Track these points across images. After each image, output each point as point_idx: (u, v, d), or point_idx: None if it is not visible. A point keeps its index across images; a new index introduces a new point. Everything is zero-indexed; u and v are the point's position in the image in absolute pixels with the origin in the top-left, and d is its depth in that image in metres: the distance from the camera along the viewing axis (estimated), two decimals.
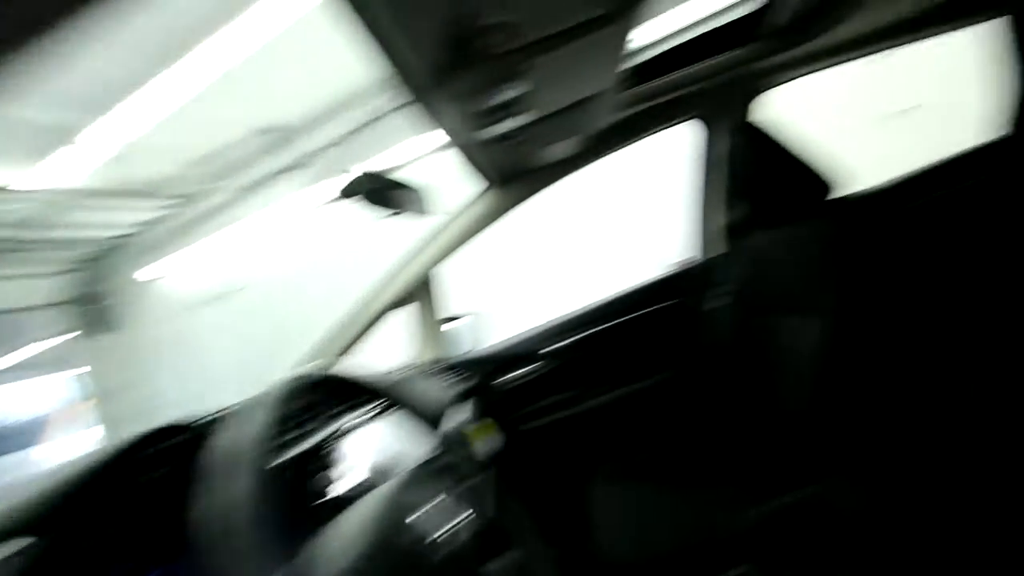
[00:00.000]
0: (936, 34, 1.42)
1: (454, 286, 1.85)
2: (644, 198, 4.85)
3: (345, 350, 1.66)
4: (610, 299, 1.69)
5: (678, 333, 1.63)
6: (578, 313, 1.71)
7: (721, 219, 1.56)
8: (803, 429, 1.10)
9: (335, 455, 0.79)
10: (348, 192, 0.91)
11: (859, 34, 1.32)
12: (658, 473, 1.40)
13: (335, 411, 0.88)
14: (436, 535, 0.51)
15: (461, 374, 1.66)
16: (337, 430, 0.82)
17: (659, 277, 1.69)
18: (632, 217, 5.01)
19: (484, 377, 1.70)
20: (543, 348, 1.68)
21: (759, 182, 1.19)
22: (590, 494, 1.37)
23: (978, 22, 1.40)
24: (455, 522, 0.54)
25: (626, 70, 1.04)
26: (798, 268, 1.18)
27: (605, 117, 1.26)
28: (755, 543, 0.90)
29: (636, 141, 1.47)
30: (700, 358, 1.60)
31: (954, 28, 1.38)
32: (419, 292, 1.70)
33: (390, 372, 1.52)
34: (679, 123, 1.46)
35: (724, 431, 1.42)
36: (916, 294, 1.09)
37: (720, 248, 1.59)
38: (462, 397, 1.52)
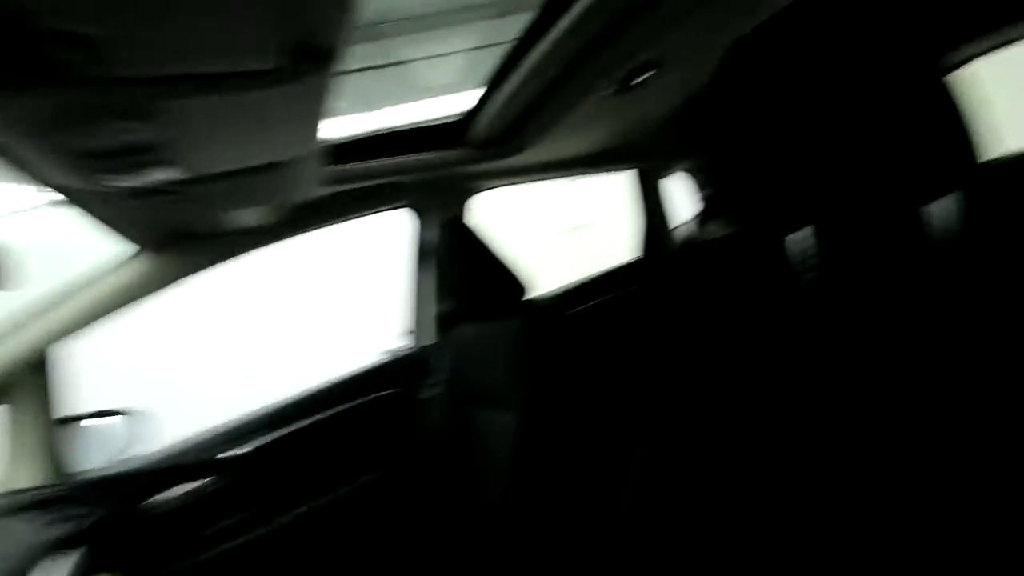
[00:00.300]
0: (601, 171, 1.81)
1: (88, 377, 1.34)
2: (358, 282, 4.74)
3: None
4: (313, 392, 1.47)
5: (391, 425, 1.50)
6: (273, 410, 1.42)
7: (433, 309, 1.56)
8: (501, 528, 1.08)
9: None
10: None
11: (543, 161, 1.56)
12: None
13: None
14: None
15: (79, 504, 1.14)
16: None
17: (370, 367, 1.56)
18: (343, 301, 4.79)
19: (122, 503, 1.22)
20: (216, 456, 1.32)
21: (462, 278, 1.21)
22: None
23: (622, 169, 1.84)
24: None
25: (324, 145, 0.93)
26: (495, 363, 1.22)
27: (300, 190, 1.12)
28: None
29: (341, 221, 1.37)
30: (414, 452, 1.50)
31: (608, 171, 1.80)
32: (18, 385, 1.15)
33: None
34: (388, 209, 1.43)
35: (436, 533, 1.32)
36: (593, 389, 1.21)
37: (432, 337, 1.58)
38: (69, 543, 1.03)
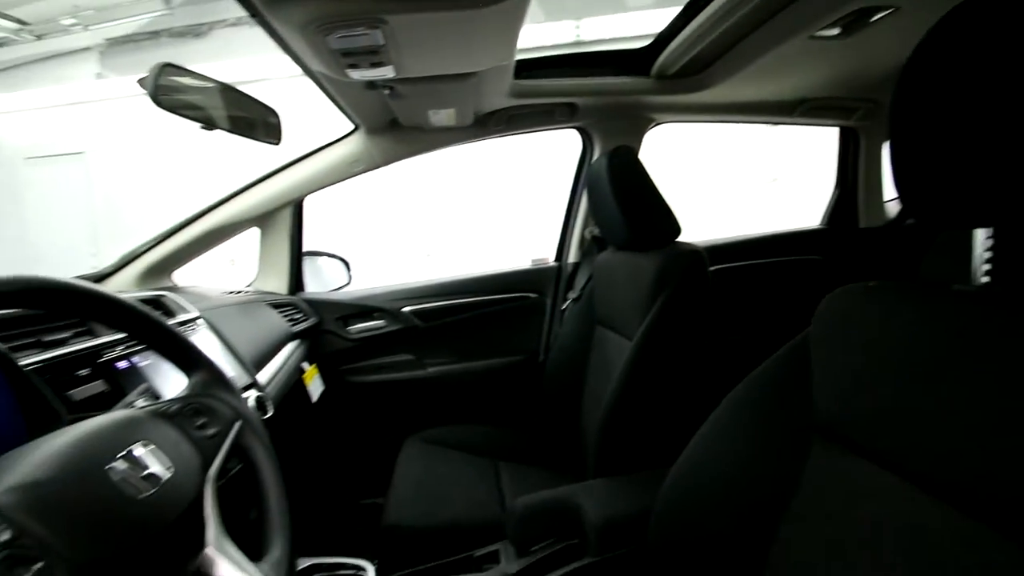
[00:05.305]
0: (799, 123, 1.63)
1: (319, 223, 1.77)
2: (529, 192, 5.13)
3: (177, 260, 1.49)
4: (472, 277, 1.73)
5: (529, 322, 1.73)
6: (437, 283, 1.72)
7: (581, 229, 1.66)
8: (604, 431, 1.20)
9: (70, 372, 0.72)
10: (144, 84, 0.80)
11: (731, 101, 1.46)
12: (468, 445, 1.47)
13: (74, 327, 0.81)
14: (140, 480, 0.47)
15: (304, 312, 1.59)
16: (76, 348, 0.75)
17: (520, 270, 1.76)
18: (517, 207, 5.29)
19: (328, 322, 1.66)
20: (394, 308, 1.67)
21: (617, 206, 1.26)
22: (399, 457, 1.39)
23: (827, 124, 1.62)
24: (169, 471, 0.51)
25: (513, 59, 1.04)
26: (627, 295, 1.28)
27: (489, 98, 1.25)
28: (511, 526, 0.98)
29: (519, 132, 1.50)
30: (545, 349, 1.72)
31: (808, 123, 1.60)
32: (272, 219, 1.59)
33: (223, 294, 1.42)
34: (560, 128, 1.51)
35: (547, 415, 1.52)
36: (714, 338, 1.22)
37: (575, 256, 1.70)
38: (294, 337, 1.46)
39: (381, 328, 1.67)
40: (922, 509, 0.52)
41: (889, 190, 1.73)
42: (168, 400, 0.62)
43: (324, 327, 1.65)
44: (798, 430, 0.69)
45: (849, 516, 0.59)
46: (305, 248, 1.71)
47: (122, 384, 0.79)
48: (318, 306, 1.65)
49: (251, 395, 0.97)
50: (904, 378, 0.55)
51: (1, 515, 0.37)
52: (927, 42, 0.51)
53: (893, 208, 1.75)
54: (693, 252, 1.15)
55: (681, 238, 1.20)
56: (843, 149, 1.72)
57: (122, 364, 0.82)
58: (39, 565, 0.37)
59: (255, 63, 4.40)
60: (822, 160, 1.88)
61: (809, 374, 0.69)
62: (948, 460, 0.50)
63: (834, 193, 1.76)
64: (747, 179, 5.68)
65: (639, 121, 1.51)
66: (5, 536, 0.36)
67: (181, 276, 1.48)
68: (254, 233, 1.59)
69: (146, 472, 0.48)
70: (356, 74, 0.89)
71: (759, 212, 5.46)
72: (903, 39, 1.11)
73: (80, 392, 0.71)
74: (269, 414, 0.97)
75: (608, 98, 1.38)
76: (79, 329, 0.82)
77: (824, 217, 1.78)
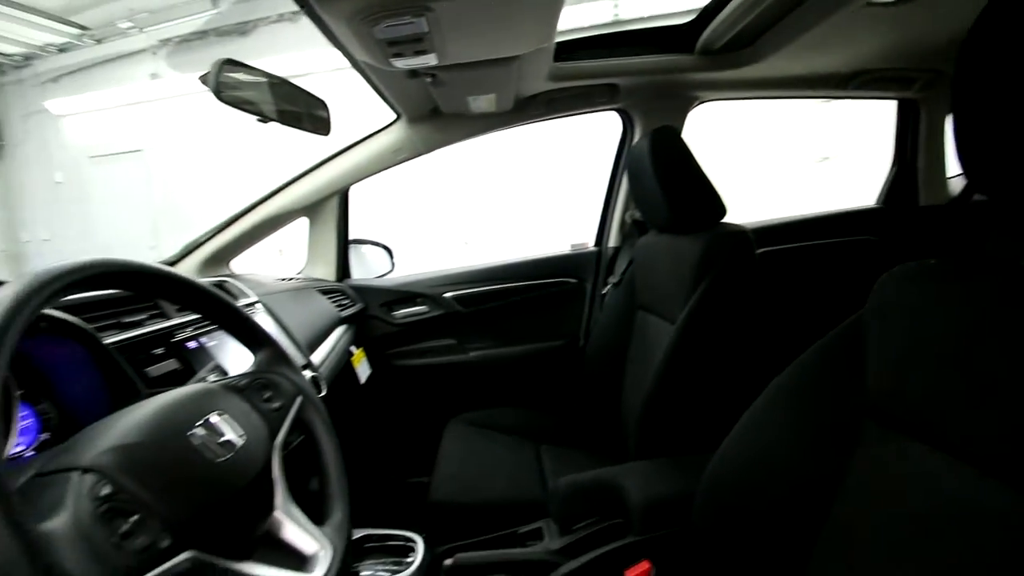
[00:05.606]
0: (854, 96, 1.55)
1: (360, 212, 1.82)
2: (568, 176, 5.09)
3: (234, 249, 1.57)
4: (511, 263, 1.74)
5: (569, 307, 1.74)
6: (476, 269, 1.74)
7: (621, 213, 1.64)
8: (645, 415, 1.20)
9: (145, 349, 0.78)
10: (206, 80, 0.84)
11: (781, 76, 1.40)
12: (510, 427, 1.49)
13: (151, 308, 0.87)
14: (217, 446, 0.51)
15: (349, 298, 1.65)
16: (150, 328, 0.82)
17: (558, 255, 1.76)
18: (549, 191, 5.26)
19: (374, 308, 1.72)
20: (436, 294, 1.71)
21: (659, 189, 1.23)
22: (443, 438, 1.43)
23: (884, 97, 1.53)
24: (242, 438, 0.54)
25: (552, 42, 1.04)
26: (670, 279, 1.26)
27: (528, 83, 1.25)
28: (555, 505, 1.00)
29: (559, 116, 1.49)
30: (585, 333, 1.73)
31: (864, 96, 1.52)
32: (323, 208, 1.65)
33: (276, 280, 1.49)
34: (600, 110, 1.49)
35: (588, 400, 1.53)
36: (760, 322, 1.19)
37: (615, 241, 1.68)
38: (342, 322, 1.52)
39: (424, 313, 1.71)
40: (980, 491, 0.50)
41: (952, 165, 1.63)
42: (237, 375, 0.66)
43: (370, 312, 1.70)
44: (850, 412, 0.67)
45: (904, 497, 0.58)
46: (350, 236, 1.76)
47: (191, 362, 0.85)
48: (364, 292, 1.70)
49: (306, 375, 1.02)
50: (965, 358, 0.53)
51: (102, 473, 0.41)
52: (994, 3, 0.48)
53: (957, 185, 1.65)
54: (739, 233, 1.12)
55: (727, 220, 1.17)
56: (901, 123, 1.63)
57: (192, 344, 0.88)
58: (135, 517, 0.41)
59: (298, 58, 4.53)
60: (877, 138, 1.78)
61: (863, 355, 0.67)
62: (1008, 441, 0.48)
63: (892, 170, 1.66)
64: (797, 158, 5.44)
65: (682, 100, 1.47)
66: (106, 491, 0.41)
67: (237, 264, 1.56)
68: (302, 223, 1.65)
69: (222, 439, 0.53)
70: (400, 63, 0.92)
71: (810, 192, 5.24)
72: (967, 2, 1.04)
73: (156, 369, 0.78)
74: (323, 393, 1.02)
75: (650, 77, 1.35)
76: (153, 312, 0.88)
77: (880, 196, 1.69)
